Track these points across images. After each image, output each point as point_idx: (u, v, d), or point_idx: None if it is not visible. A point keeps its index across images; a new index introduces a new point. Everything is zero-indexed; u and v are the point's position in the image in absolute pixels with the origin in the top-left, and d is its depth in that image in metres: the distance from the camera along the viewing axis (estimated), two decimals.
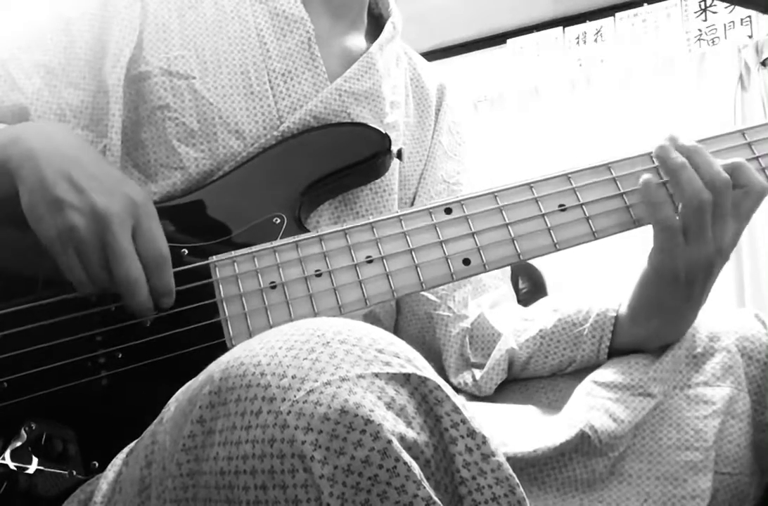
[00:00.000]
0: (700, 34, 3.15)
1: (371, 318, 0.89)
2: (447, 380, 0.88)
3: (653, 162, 0.74)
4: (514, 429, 0.75)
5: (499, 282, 0.96)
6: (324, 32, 0.87)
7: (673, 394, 0.74)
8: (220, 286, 0.70)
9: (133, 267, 0.64)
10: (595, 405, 0.74)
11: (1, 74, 0.78)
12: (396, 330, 0.94)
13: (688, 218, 0.70)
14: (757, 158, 0.75)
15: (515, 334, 0.86)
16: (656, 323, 0.76)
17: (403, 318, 0.94)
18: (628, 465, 0.72)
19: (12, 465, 0.58)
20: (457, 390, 0.88)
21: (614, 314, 0.80)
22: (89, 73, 0.79)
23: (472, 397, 0.87)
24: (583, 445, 0.72)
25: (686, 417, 0.72)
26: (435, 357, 0.91)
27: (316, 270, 0.71)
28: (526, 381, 0.87)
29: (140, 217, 0.66)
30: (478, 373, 0.87)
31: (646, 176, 0.72)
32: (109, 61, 0.79)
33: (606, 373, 0.77)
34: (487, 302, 0.93)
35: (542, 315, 0.86)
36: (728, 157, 0.73)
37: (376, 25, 0.95)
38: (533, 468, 0.73)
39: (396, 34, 0.93)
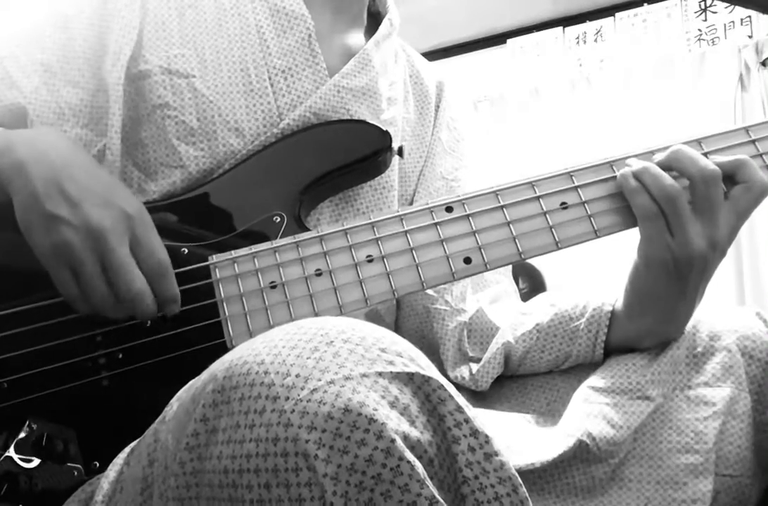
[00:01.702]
0: (700, 34, 3.15)
1: (373, 315, 0.89)
2: (444, 374, 0.88)
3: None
4: (512, 442, 0.75)
5: (500, 277, 0.96)
6: (325, 29, 0.87)
7: (673, 396, 0.74)
8: (220, 286, 0.70)
9: (137, 280, 0.64)
10: (592, 411, 0.73)
11: None
12: (396, 326, 0.95)
13: (662, 207, 0.70)
14: (761, 155, 0.75)
15: (512, 328, 0.86)
16: (651, 319, 0.76)
17: (402, 313, 0.94)
18: (628, 470, 0.72)
19: (16, 458, 0.58)
20: (455, 384, 0.88)
21: (610, 308, 0.80)
22: (88, 71, 0.79)
23: (471, 400, 0.87)
24: (581, 453, 0.71)
25: (686, 419, 0.72)
26: (433, 351, 0.91)
27: (317, 270, 0.71)
28: (524, 379, 0.87)
29: (136, 228, 0.65)
30: (474, 367, 0.87)
31: (624, 170, 0.73)
32: (109, 60, 0.78)
33: (602, 378, 0.76)
34: (487, 297, 0.93)
35: (539, 310, 0.86)
36: (732, 154, 0.73)
37: (374, 22, 0.95)
38: (532, 474, 0.72)
39: (393, 30, 0.93)
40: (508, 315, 0.89)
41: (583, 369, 0.81)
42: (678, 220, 0.70)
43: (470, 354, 0.89)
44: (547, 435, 0.75)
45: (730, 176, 0.71)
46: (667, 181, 0.70)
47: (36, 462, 0.59)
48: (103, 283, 0.63)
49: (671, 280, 0.72)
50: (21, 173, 0.64)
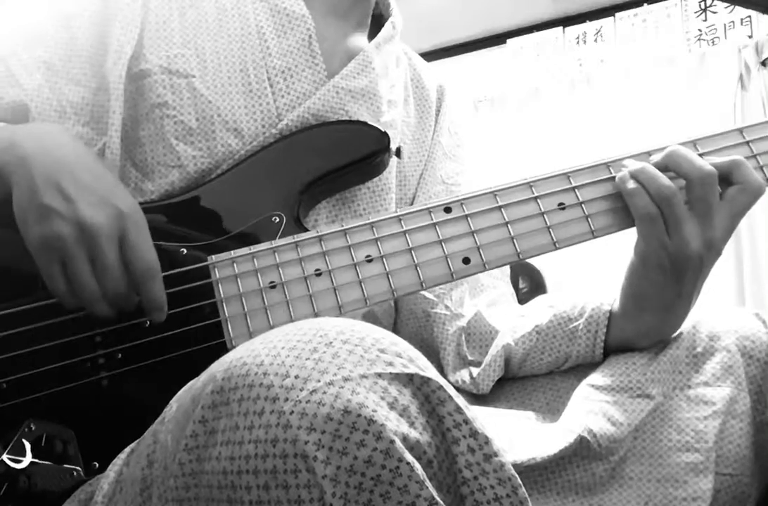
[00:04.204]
0: (700, 34, 3.15)
1: (370, 318, 0.89)
2: (444, 378, 0.88)
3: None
4: (513, 437, 0.75)
5: (497, 282, 0.96)
6: (328, 32, 0.87)
7: (673, 395, 0.74)
8: (220, 286, 0.70)
9: (120, 283, 0.64)
10: (593, 409, 0.73)
11: (1, 70, 0.78)
12: (394, 329, 0.94)
13: (660, 208, 0.71)
14: (755, 156, 0.75)
15: (512, 331, 0.86)
16: (648, 318, 0.76)
17: (401, 316, 0.94)
18: (629, 468, 0.72)
19: (12, 464, 0.58)
20: (456, 388, 0.88)
21: (609, 308, 0.80)
22: (90, 69, 0.79)
23: (472, 400, 0.87)
24: (582, 450, 0.72)
25: (686, 418, 0.72)
26: (433, 355, 0.91)
27: (316, 270, 0.71)
28: (524, 380, 0.87)
29: (127, 227, 0.65)
30: (475, 371, 0.87)
31: (621, 172, 0.73)
32: (111, 59, 0.79)
33: (603, 376, 0.77)
34: (484, 301, 0.93)
35: (538, 312, 0.86)
36: (727, 155, 0.74)
37: (376, 24, 0.95)
38: (533, 472, 0.72)
39: (395, 34, 0.93)
40: (506, 319, 0.89)
41: (583, 369, 0.81)
42: (674, 221, 0.70)
43: (470, 358, 0.89)
44: (547, 431, 0.75)
45: (726, 177, 0.72)
46: (662, 181, 0.71)
47: (26, 462, 0.58)
48: (91, 278, 0.63)
49: (667, 280, 0.72)
50: (24, 167, 0.65)
